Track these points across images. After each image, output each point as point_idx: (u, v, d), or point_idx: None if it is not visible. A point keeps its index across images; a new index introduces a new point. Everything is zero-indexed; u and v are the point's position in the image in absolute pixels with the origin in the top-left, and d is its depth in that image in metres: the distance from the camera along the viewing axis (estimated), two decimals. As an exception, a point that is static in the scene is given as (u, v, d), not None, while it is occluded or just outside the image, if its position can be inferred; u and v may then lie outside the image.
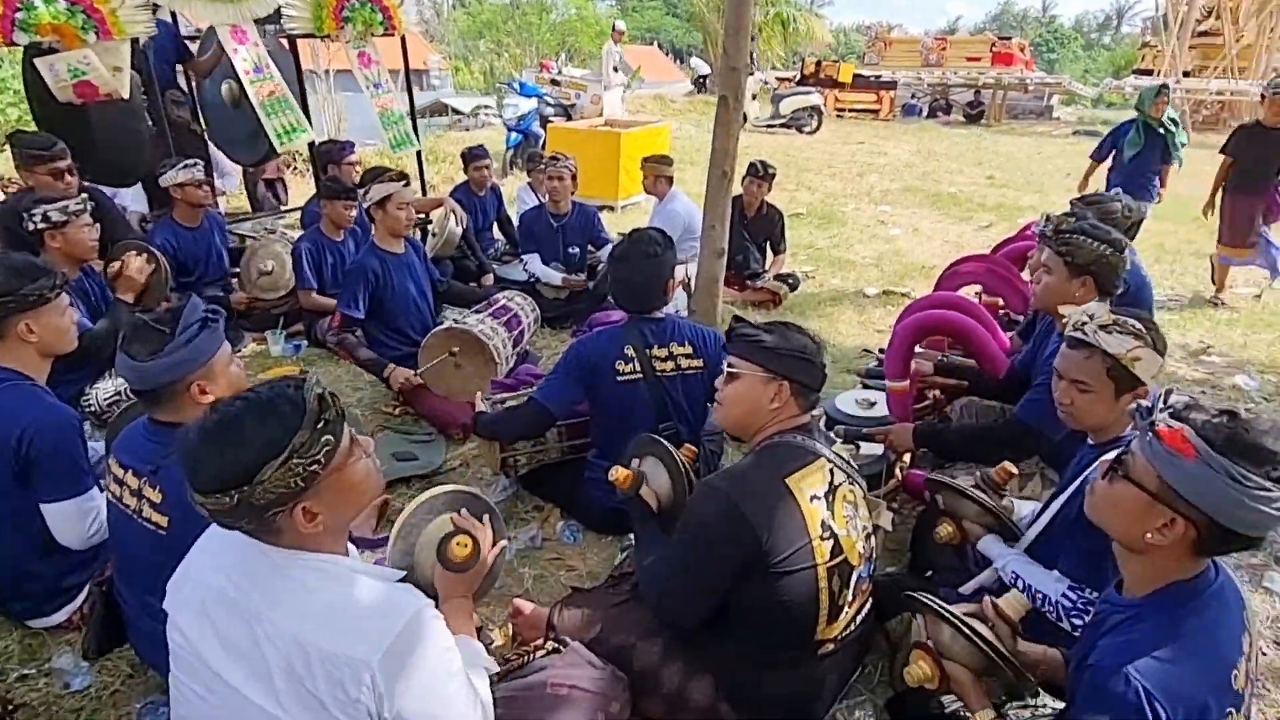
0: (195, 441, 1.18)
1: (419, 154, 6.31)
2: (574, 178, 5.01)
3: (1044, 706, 1.98)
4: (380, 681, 1.21)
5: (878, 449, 2.85)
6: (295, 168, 8.13)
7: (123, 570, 1.97)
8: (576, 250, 5.02)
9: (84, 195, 3.26)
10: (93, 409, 3.29)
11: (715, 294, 4.35)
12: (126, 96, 4.13)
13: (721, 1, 18.41)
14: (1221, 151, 5.46)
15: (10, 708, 1.97)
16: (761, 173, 5.13)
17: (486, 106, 17.48)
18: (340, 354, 3.96)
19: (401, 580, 1.36)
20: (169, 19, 5.19)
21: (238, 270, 4.66)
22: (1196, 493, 1.23)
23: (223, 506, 1.17)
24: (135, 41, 4.17)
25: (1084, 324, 1.87)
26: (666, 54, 42.56)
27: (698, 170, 9.95)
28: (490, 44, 29.56)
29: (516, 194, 6.31)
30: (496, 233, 5.98)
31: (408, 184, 3.60)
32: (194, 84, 5.71)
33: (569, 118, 10.07)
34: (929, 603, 1.64)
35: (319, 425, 1.22)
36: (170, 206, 4.44)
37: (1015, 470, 2.24)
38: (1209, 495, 1.22)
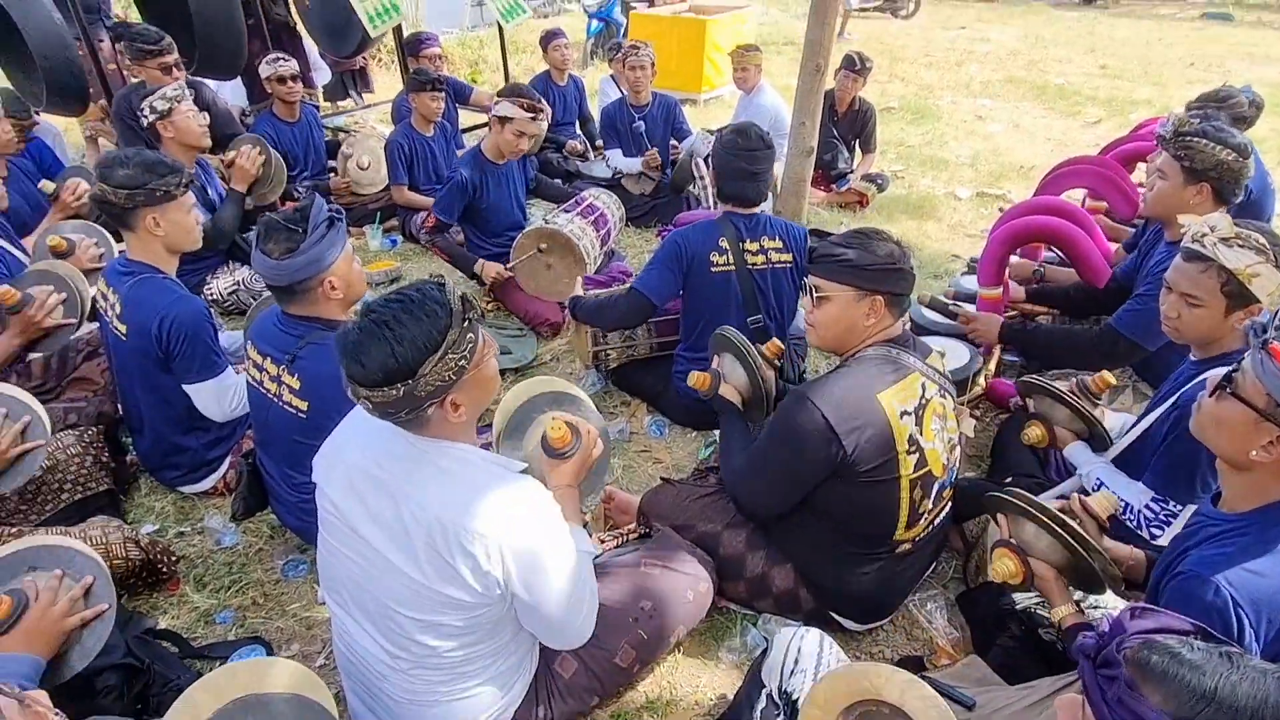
0: (358, 340, 1.29)
1: (501, 42, 6.22)
2: (653, 65, 4.87)
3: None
4: (507, 557, 1.35)
5: (964, 357, 2.84)
6: (380, 59, 8.11)
7: (265, 445, 2.18)
8: (640, 123, 4.91)
9: (179, 83, 3.34)
10: (214, 298, 3.54)
11: (802, 195, 4.26)
12: None
13: None
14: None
15: (173, 558, 2.25)
16: (858, 67, 4.88)
17: (563, -9, 16.83)
18: (433, 250, 4.08)
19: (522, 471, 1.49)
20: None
21: (334, 164, 4.79)
22: (1307, 413, 1.23)
23: (388, 399, 1.29)
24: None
25: (1203, 235, 1.79)
26: (751, -72, 39.63)
27: (784, 60, 9.48)
28: (567, -80, 28.00)
29: (599, 86, 6.19)
30: (577, 127, 5.91)
31: (538, 117, 3.55)
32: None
33: (652, 3, 9.63)
34: (1014, 500, 1.68)
35: (464, 324, 1.32)
36: (268, 101, 4.56)
37: (1114, 381, 2.21)
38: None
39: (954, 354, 2.84)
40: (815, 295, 1.87)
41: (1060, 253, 3.07)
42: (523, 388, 1.94)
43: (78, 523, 2.13)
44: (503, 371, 3.32)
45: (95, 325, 2.66)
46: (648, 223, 4.78)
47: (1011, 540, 1.69)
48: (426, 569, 1.37)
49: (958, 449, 1.99)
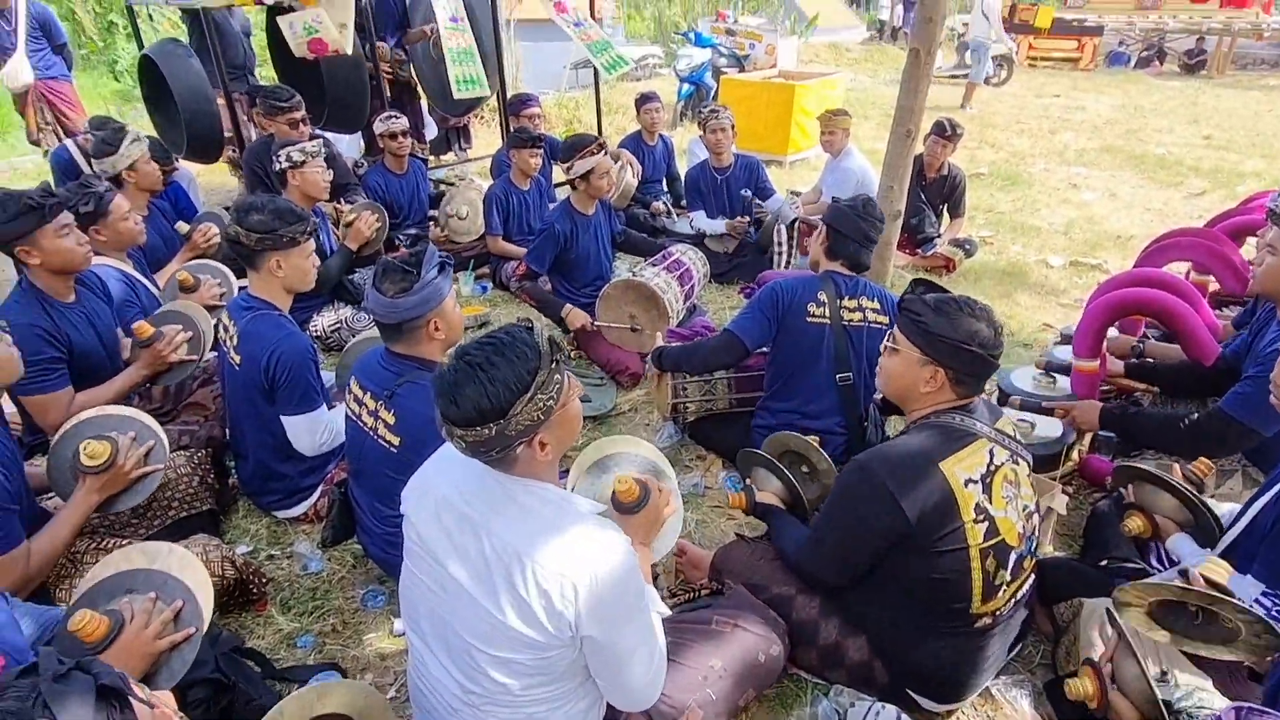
0: (453, 381, 1.34)
1: (597, 104, 6.47)
2: (733, 128, 4.97)
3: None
4: (581, 597, 1.35)
5: (1056, 429, 2.72)
6: (483, 117, 8.54)
7: (358, 476, 2.26)
8: (745, 191, 4.96)
9: (319, 141, 3.64)
10: (318, 333, 3.74)
11: (886, 258, 4.22)
12: (349, 51, 4.51)
13: (909, -59, 17.11)
14: None
15: (264, 580, 2.34)
16: (948, 133, 4.85)
17: (655, 55, 17.41)
18: (522, 297, 4.21)
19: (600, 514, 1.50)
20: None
21: (435, 213, 5.04)
22: None
23: (480, 438, 1.33)
24: (358, 1, 4.51)
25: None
26: (842, -2, 40.29)
27: (871, 125, 9.51)
28: (662, -10, 29.12)
29: (688, 147, 6.33)
30: (665, 186, 6.04)
31: (605, 150, 3.73)
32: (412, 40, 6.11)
33: (742, 68, 9.85)
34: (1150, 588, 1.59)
35: (552, 365, 1.37)
36: (380, 154, 4.85)
37: (1213, 465, 2.08)
38: None
39: (1045, 424, 2.73)
40: (889, 343, 1.87)
41: (1163, 327, 2.93)
42: (605, 443, 1.96)
43: (180, 539, 2.24)
44: (583, 419, 3.37)
45: (213, 355, 2.85)
46: (730, 280, 4.82)
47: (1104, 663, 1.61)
48: (504, 605, 1.38)
49: (1035, 517, 1.90)
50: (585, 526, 1.41)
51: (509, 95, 5.74)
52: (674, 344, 3.07)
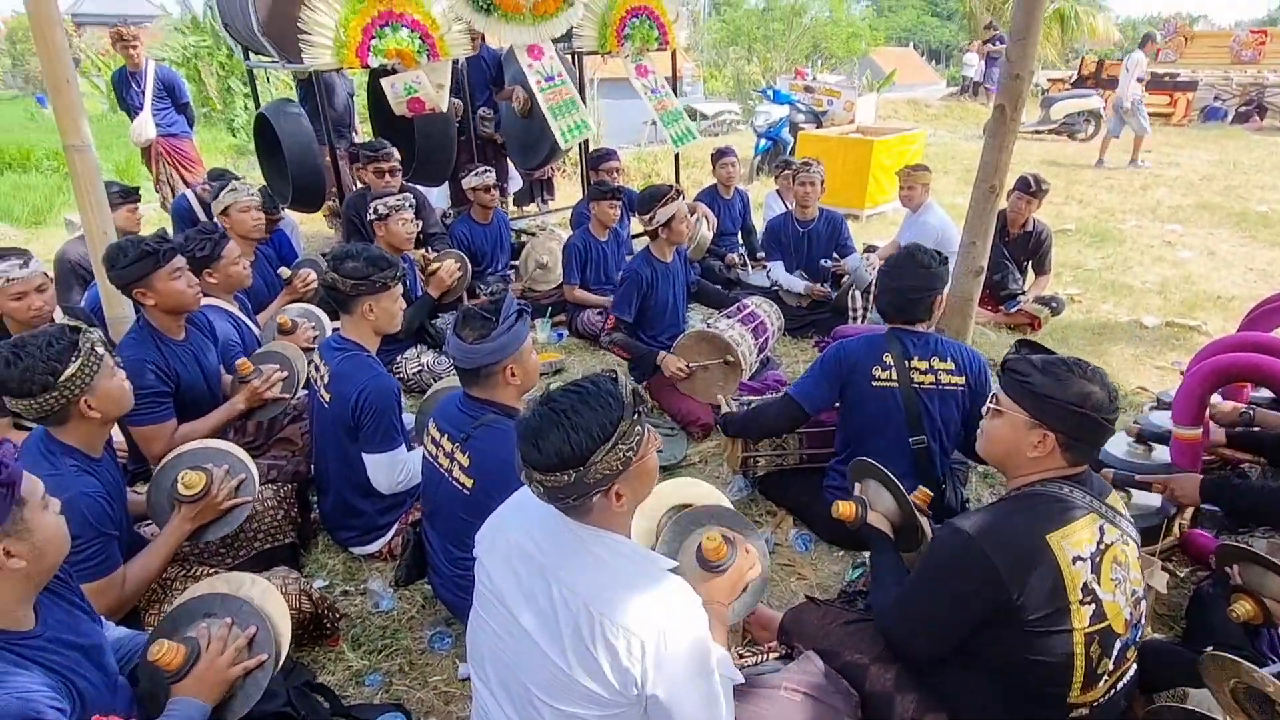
0: (537, 427, 1.35)
1: (675, 158, 6.58)
2: (822, 183, 4.94)
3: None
4: (648, 655, 1.31)
5: (1154, 500, 2.53)
6: (564, 171, 8.80)
7: (432, 518, 2.29)
8: (825, 261, 4.93)
9: (407, 194, 3.82)
10: (402, 375, 3.85)
11: (968, 314, 4.10)
12: (444, 110, 4.73)
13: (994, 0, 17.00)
14: None
15: (337, 615, 2.37)
16: (1033, 189, 4.71)
17: (732, 111, 17.70)
18: (613, 350, 4.24)
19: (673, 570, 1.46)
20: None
21: (517, 262, 5.18)
22: None
23: (559, 484, 1.33)
24: (455, 63, 4.76)
25: None
26: (923, 55, 40.25)
27: (951, 180, 9.35)
28: (740, 50, 29.77)
29: (765, 200, 6.35)
30: (740, 239, 6.06)
31: (682, 197, 3.78)
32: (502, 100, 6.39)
33: (820, 124, 9.90)
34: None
35: (634, 417, 1.37)
36: (467, 205, 5.04)
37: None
38: None
39: (1143, 495, 2.55)
40: (992, 404, 1.78)
41: (1274, 393, 2.72)
42: (685, 485, 1.93)
43: (263, 571, 2.30)
44: (654, 469, 3.35)
45: (304, 393, 2.96)
46: (805, 334, 4.75)
47: None
48: (569, 656, 1.35)
49: (1144, 603, 1.75)
50: (658, 583, 1.38)
51: (590, 150, 5.90)
52: (744, 398, 3.02)
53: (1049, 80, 16.71)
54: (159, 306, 2.58)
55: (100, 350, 1.97)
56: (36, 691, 1.31)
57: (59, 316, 2.98)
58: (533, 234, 5.79)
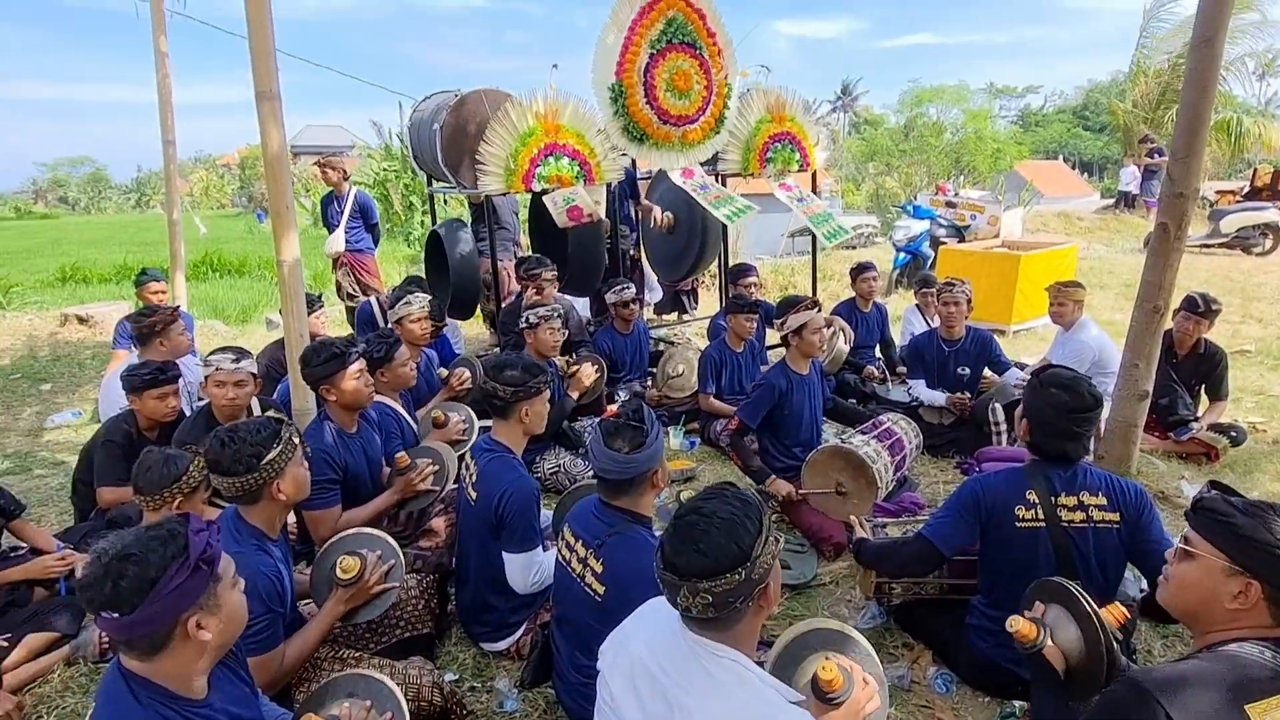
0: (692, 534, 1.36)
1: (813, 270, 6.63)
2: (969, 302, 4.79)
3: None
4: None
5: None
6: (704, 283, 9.06)
7: (561, 622, 2.31)
8: (967, 370, 4.72)
9: (557, 305, 4.08)
10: (539, 475, 3.99)
11: (1131, 440, 3.77)
12: (603, 217, 5.04)
13: (1150, 113, 16.28)
14: None
15: (464, 711, 2.40)
16: (1202, 309, 4.34)
17: (870, 225, 17.69)
18: (731, 455, 4.23)
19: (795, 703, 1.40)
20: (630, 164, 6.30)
21: (654, 370, 5.32)
22: None
23: (729, 586, 1.33)
24: (608, 185, 5.12)
25: None
26: (1073, 167, 38.87)
27: (1109, 295, 8.78)
28: (879, 165, 29.98)
29: (903, 314, 6.22)
30: (877, 352, 5.93)
31: (819, 308, 3.80)
32: (639, 217, 6.78)
33: (962, 239, 9.69)
34: None
35: (765, 513, 1.42)
36: (609, 315, 5.29)
37: None
38: None
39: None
40: (1182, 545, 1.58)
41: None
42: (810, 623, 1.85)
43: (400, 659, 2.39)
44: (781, 586, 3.22)
45: (454, 487, 3.13)
46: (946, 453, 4.50)
47: None
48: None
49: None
50: (778, 714, 1.32)
51: (730, 264, 6.07)
52: (878, 522, 2.88)
53: (1217, 192, 15.57)
54: (339, 402, 2.86)
55: (295, 440, 2.20)
56: None
57: (256, 407, 3.37)
58: (671, 343, 5.95)
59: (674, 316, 7.62)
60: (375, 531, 2.59)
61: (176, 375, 3.35)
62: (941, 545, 2.46)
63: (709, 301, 8.31)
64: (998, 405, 4.27)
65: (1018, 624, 1.84)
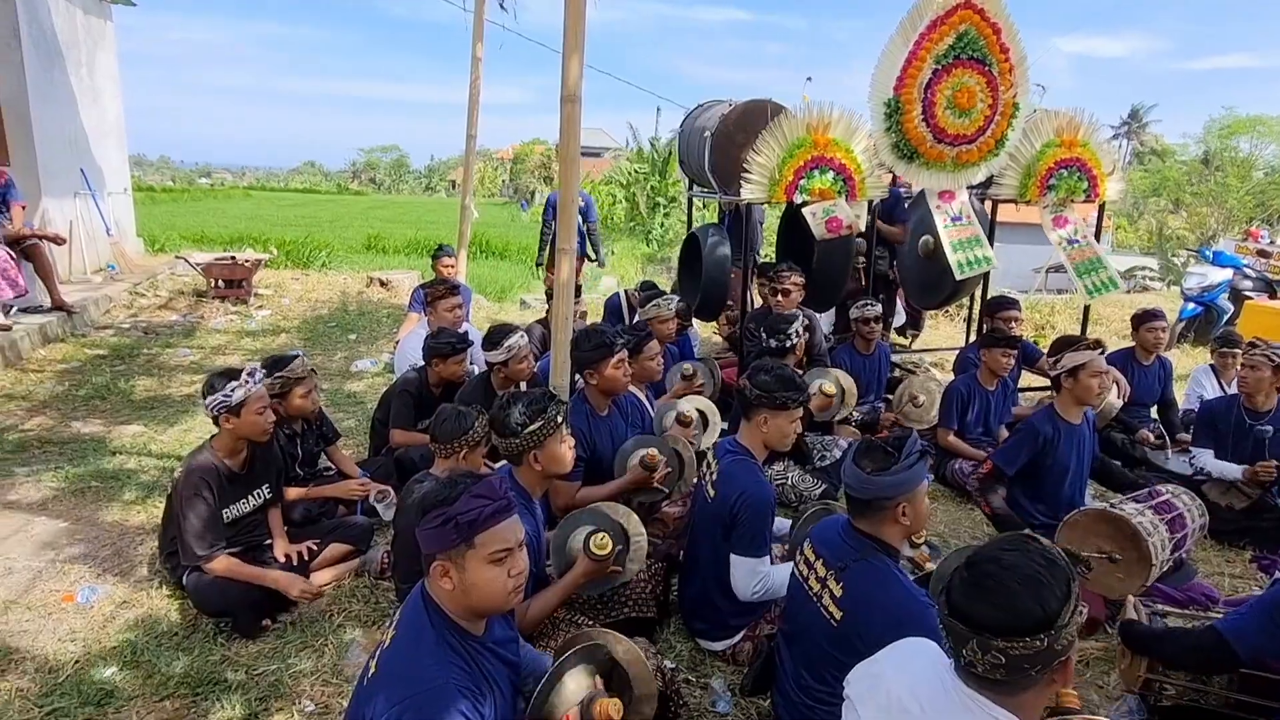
0: (995, 586, 1.24)
1: (1085, 310, 5.90)
2: (1276, 370, 3.97)
3: None
4: None
5: None
6: (948, 310, 8.45)
7: (790, 639, 2.25)
8: (1268, 429, 3.91)
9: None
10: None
11: None
12: (862, 229, 4.84)
13: None
14: None
15: (680, 700, 2.41)
16: None
17: (1148, 269, 15.42)
18: (980, 504, 3.89)
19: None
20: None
21: (890, 395, 5.05)
22: None
23: (1028, 650, 1.20)
24: (869, 201, 4.89)
25: None
26: None
27: None
28: (1166, 201, 26.11)
29: (1193, 374, 5.34)
30: (1153, 412, 5.12)
31: (1103, 350, 3.37)
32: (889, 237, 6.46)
33: (1274, 295, 8.11)
34: None
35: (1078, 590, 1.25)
36: (851, 334, 5.09)
37: None
38: None
39: None
40: None
41: None
42: None
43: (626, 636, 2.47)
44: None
45: (693, 481, 3.19)
46: (1236, 542, 3.78)
47: None
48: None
49: None
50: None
51: (989, 296, 5.59)
52: (1149, 616, 2.48)
53: None
54: (599, 386, 3.03)
55: (559, 419, 2.36)
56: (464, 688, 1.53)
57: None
58: (911, 370, 5.61)
59: (906, 341, 7.18)
60: (625, 510, 2.68)
61: (468, 345, 3.87)
62: (1239, 645, 2.07)
63: (949, 331, 7.72)
64: None
65: None
